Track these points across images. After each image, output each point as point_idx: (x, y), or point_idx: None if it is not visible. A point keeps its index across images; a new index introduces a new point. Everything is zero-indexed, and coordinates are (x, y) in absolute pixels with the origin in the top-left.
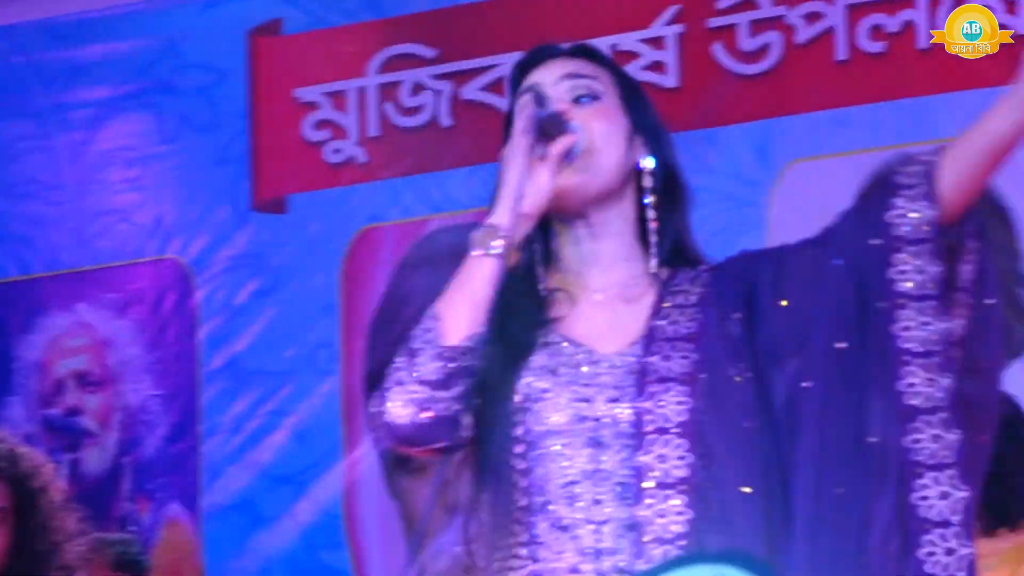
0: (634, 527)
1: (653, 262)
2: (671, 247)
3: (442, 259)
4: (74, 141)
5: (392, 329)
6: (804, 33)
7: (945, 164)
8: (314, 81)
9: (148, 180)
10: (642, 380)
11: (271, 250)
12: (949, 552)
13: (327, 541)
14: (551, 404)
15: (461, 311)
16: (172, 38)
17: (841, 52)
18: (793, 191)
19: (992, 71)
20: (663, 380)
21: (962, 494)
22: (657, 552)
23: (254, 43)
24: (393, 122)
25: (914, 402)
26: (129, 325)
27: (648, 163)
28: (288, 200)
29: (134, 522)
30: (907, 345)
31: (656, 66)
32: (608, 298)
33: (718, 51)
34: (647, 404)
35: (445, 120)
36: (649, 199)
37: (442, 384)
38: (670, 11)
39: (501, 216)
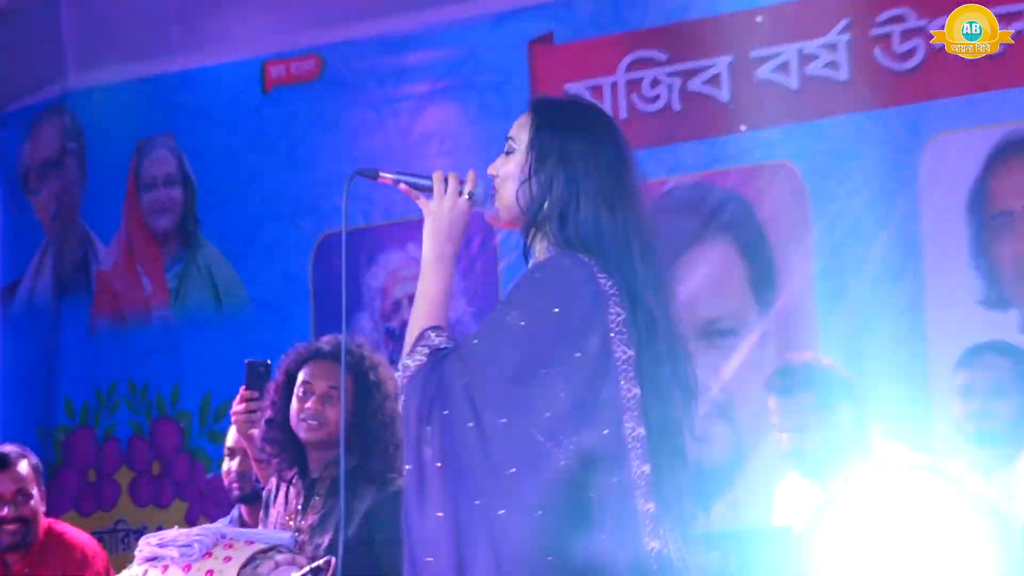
0: None
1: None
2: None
3: (678, 210)
4: (401, 125)
5: None
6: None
7: None
8: (578, 77)
9: (460, 151)
10: None
11: None
12: None
13: None
14: None
15: None
16: (472, 47)
17: None
18: (937, 156)
19: None
20: None
21: None
22: None
23: (533, 50)
24: (637, 108)
25: None
26: None
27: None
28: None
29: None
30: None
31: (832, 65)
32: None
33: (878, 53)
34: None
35: (676, 106)
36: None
37: None
38: (842, 24)
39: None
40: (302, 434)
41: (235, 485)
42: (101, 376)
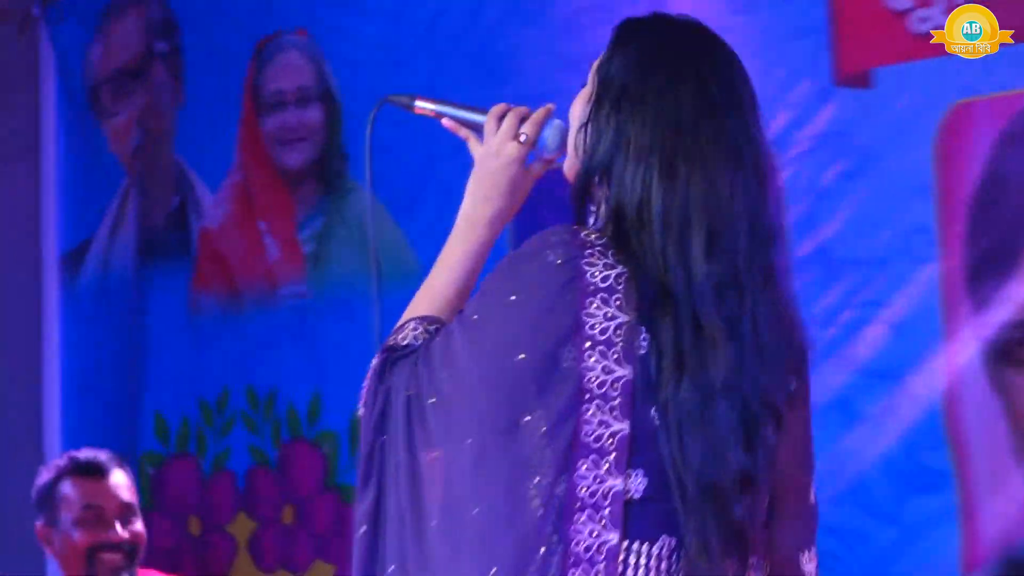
0: None
1: None
2: None
3: None
4: (637, 12)
5: (993, 211)
6: None
7: None
8: None
9: None
10: None
11: (857, 128)
12: None
13: (927, 441)
14: None
15: None
16: None
17: None
18: None
19: None
20: None
21: None
22: None
23: None
24: None
25: None
26: None
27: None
28: (873, 73)
29: None
30: None
31: None
32: None
33: None
34: None
35: None
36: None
37: None
38: None
39: None
40: None
41: None
42: (206, 381)
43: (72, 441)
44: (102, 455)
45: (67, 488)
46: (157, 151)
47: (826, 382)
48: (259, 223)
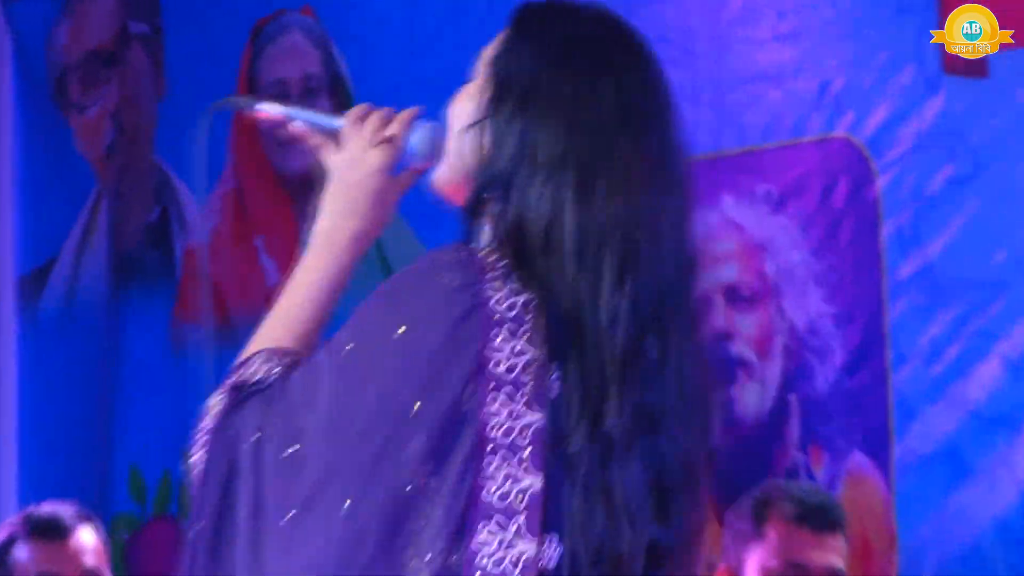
0: None
1: None
2: None
3: None
4: None
5: None
6: None
7: None
8: None
9: (809, 36)
10: None
11: (971, 124)
12: None
13: None
14: None
15: None
16: None
17: None
18: None
19: None
20: None
21: None
22: None
23: None
24: None
25: None
26: (790, 224)
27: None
28: (989, 60)
29: (806, 476)
30: None
31: None
32: None
33: None
34: None
35: None
36: None
37: None
38: None
39: None
40: None
41: None
42: (192, 428)
43: (30, 501)
44: (66, 511)
45: (21, 552)
46: (134, 152)
47: (932, 428)
48: (256, 239)
